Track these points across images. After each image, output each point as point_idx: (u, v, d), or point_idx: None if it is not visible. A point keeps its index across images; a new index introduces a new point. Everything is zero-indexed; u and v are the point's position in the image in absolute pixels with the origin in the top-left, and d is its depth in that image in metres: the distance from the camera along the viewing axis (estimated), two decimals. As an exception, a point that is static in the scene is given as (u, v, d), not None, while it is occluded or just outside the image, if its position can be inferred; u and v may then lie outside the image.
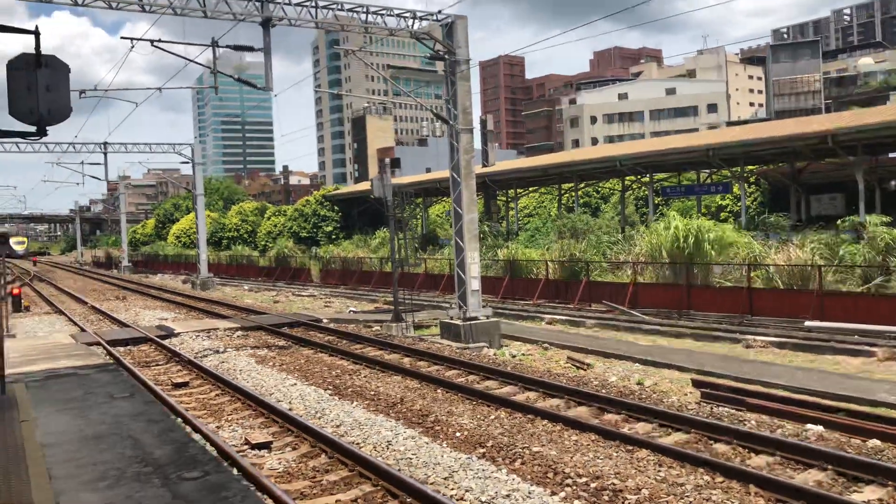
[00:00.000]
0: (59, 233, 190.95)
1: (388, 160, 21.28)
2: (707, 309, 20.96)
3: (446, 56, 18.44)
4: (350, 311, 27.80)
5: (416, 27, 17.80)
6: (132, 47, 15.85)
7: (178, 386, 14.21)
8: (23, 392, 9.74)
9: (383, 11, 17.22)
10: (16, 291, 31.18)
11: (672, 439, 9.54)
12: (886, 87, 75.15)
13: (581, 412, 11.18)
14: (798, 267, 19.52)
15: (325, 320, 23.45)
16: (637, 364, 16.02)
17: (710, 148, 27.11)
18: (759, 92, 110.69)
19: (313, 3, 16.73)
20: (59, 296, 39.45)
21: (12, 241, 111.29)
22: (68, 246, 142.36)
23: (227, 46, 15.64)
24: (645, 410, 10.74)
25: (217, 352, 18.18)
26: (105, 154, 42.32)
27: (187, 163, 44.57)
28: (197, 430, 10.37)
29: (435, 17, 17.89)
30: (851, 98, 75.55)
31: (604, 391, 12.28)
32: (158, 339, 19.72)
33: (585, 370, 15.52)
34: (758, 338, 17.47)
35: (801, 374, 13.62)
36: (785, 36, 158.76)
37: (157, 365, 16.75)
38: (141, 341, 20.20)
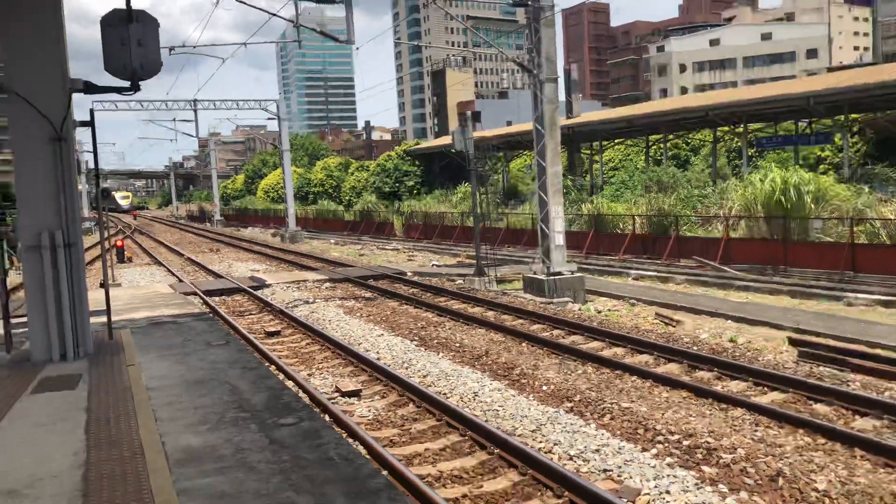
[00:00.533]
0: (154, 188, 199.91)
1: (469, 113, 21.06)
2: (805, 265, 20.01)
3: (529, 2, 17.89)
4: (433, 264, 28.00)
5: (500, -27, 17.28)
6: (217, 3, 16.07)
7: (270, 335, 14.69)
8: (128, 338, 10.26)
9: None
10: (119, 244, 32.85)
11: (769, 398, 9.19)
12: None
13: (671, 369, 10.90)
14: (907, 220, 18.32)
15: (408, 273, 23.70)
16: (729, 321, 15.49)
17: (811, 95, 25.54)
18: (865, 34, 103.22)
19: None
20: (157, 248, 41.39)
21: (117, 195, 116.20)
22: (164, 200, 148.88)
23: (309, 0, 15.64)
24: (739, 368, 10.37)
25: (307, 302, 18.67)
26: (195, 111, 43.66)
27: (273, 119, 45.47)
28: (290, 377, 10.71)
29: (520, -38, 17.32)
30: (971, 38, 69.42)
31: (695, 348, 11.93)
32: (251, 290, 20.41)
33: (675, 327, 15.12)
34: (860, 296, 16.57)
35: (910, 334, 12.84)
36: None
37: (251, 314, 17.35)
38: (234, 291, 20.96)
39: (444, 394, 9.91)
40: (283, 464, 5.00)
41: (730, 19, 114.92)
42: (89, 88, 8.72)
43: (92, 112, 9.19)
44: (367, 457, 6.47)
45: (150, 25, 8.30)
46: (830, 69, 75.33)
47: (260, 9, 15.26)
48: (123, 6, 8.14)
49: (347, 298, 19.32)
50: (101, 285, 10.02)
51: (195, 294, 19.65)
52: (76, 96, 8.81)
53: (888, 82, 23.80)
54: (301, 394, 9.62)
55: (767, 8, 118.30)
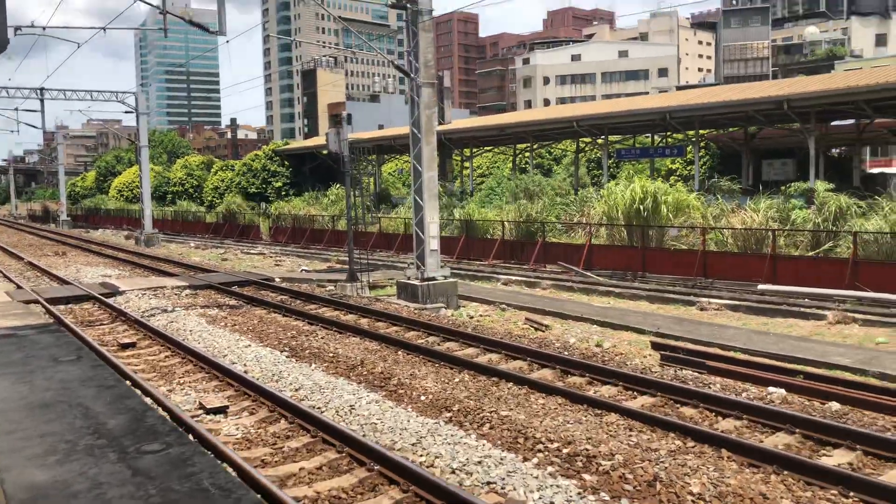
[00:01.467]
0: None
1: (344, 114, 20.63)
2: (661, 271, 21.14)
3: (408, 5, 17.76)
4: (302, 270, 27.25)
5: (376, -25, 17.03)
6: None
7: (125, 347, 13.59)
8: (-43, 354, 9.09)
9: (343, -43, 16.39)
10: (-54, 245, 29.58)
11: (639, 403, 9.48)
12: (832, 56, 76.67)
13: (545, 374, 11.06)
14: (752, 231, 19.77)
15: (277, 279, 22.88)
16: (595, 325, 16.05)
17: (669, 111, 27.15)
18: (708, 58, 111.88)
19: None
20: (-8, 250, 37.66)
21: None
22: (2, 198, 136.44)
23: (176, -12, 14.67)
24: (609, 373, 10.67)
25: (165, 311, 17.51)
26: (42, 101, 40.26)
27: (130, 112, 42.70)
28: (147, 393, 9.90)
29: (397, -35, 17.14)
30: (798, 66, 76.94)
31: (566, 353, 12.18)
32: (102, 297, 18.88)
33: (544, 331, 15.46)
34: (712, 300, 17.68)
35: (757, 337, 13.80)
36: (734, 2, 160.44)
37: (102, 324, 16.03)
38: (83, 299, 19.32)
39: (319, 408, 9.50)
40: (150, 499, 4.47)
41: (590, 36, 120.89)
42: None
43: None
44: (247, 486, 5.98)
45: (-10, 1, 7.36)
46: (679, 87, 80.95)
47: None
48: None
49: (210, 306, 18.32)
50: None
51: (37, 302, 17.93)
52: None
53: (732, 102, 25.70)
54: (161, 411, 8.90)
55: (624, 27, 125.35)
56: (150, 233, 40.77)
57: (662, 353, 12.85)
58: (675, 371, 11.07)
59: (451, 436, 8.20)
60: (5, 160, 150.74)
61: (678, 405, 9.33)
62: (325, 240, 35.91)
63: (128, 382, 9.40)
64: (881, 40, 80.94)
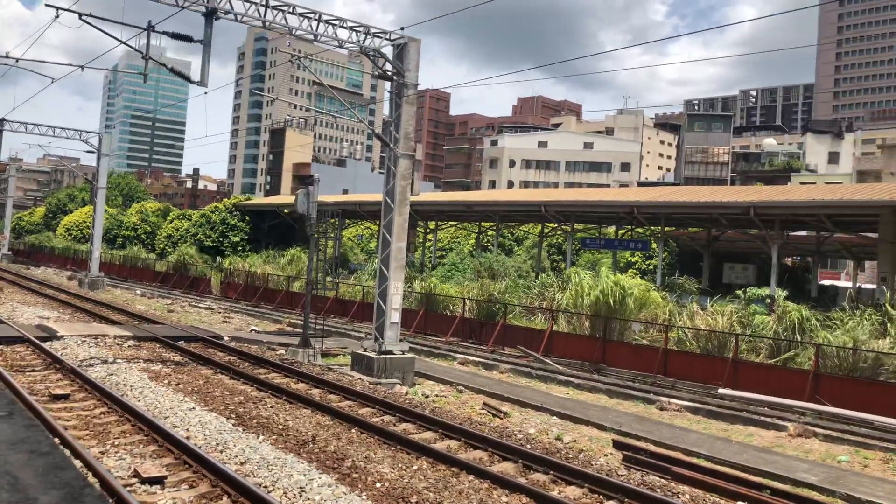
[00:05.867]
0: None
1: (316, 176, 20.31)
2: (621, 365, 20.90)
3: (394, 77, 17.77)
4: (252, 329, 26.32)
5: (367, 43, 17.04)
6: (56, 16, 14.34)
7: (56, 398, 12.62)
8: None
9: (336, 22, 16.40)
10: None
11: (607, 509, 8.98)
12: (788, 168, 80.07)
13: (507, 468, 10.49)
14: (716, 333, 19.75)
15: (225, 338, 21.95)
16: (555, 417, 15.59)
17: (637, 205, 27.53)
18: (668, 157, 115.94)
19: (263, 2, 15.73)
20: (-76, 278, 35.72)
21: None
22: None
23: (165, 33, 14.37)
24: (573, 472, 10.17)
25: (105, 361, 16.47)
26: (0, 131, 39.03)
27: (92, 152, 41.75)
28: (77, 454, 9.03)
29: (389, 37, 17.21)
30: (756, 174, 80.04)
31: (528, 446, 11.65)
32: (37, 341, 17.75)
33: (503, 419, 14.93)
34: (672, 400, 17.41)
35: (720, 444, 13.49)
36: (696, 107, 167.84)
37: (34, 371, 14.95)
38: (16, 341, 18.14)
39: (266, 486, 8.76)
40: None
41: (557, 125, 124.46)
42: None
43: None
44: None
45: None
46: (640, 183, 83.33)
47: (106, 33, 13.77)
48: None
49: (154, 361, 17.33)
50: None
51: (-34, 341, 16.77)
52: None
53: (703, 203, 26.22)
54: (91, 477, 8.06)
55: (589, 120, 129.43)
56: (95, 275, 39.26)
57: (625, 453, 12.43)
58: (642, 476, 10.61)
59: (410, 533, 7.56)
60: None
61: (648, 515, 8.86)
62: (278, 300, 34.98)
63: (65, 451, 8.53)
64: (833, 158, 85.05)
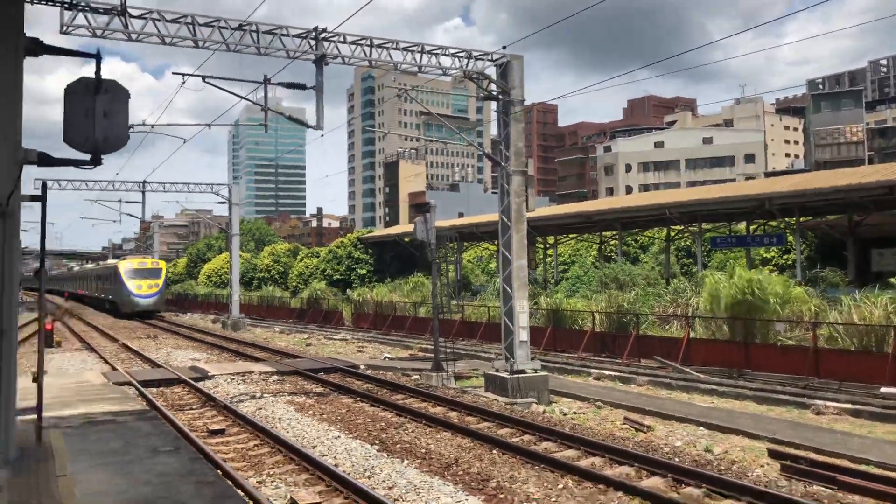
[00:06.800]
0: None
1: (433, 203, 20.66)
2: (767, 369, 19.76)
3: (500, 96, 17.90)
4: (385, 357, 26.96)
5: (469, 66, 17.30)
6: (183, 83, 15.58)
7: (214, 433, 13.44)
8: (59, 441, 8.99)
9: (438, 51, 16.77)
10: (48, 327, 30.82)
11: (770, 521, 8.48)
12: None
13: (656, 483, 10.15)
14: (871, 327, 18.32)
15: (361, 367, 22.63)
16: (701, 428, 14.91)
17: (768, 197, 26.11)
18: (795, 143, 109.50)
19: (367, 42, 16.34)
20: (89, 332, 39.15)
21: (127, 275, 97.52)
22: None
23: (280, 84, 15.24)
24: (728, 485, 9.70)
25: (253, 397, 17.40)
26: (143, 192, 42.45)
27: (223, 203, 44.54)
28: (237, 484, 9.55)
29: (490, 57, 17.40)
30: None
31: (676, 459, 11.25)
32: (192, 381, 19.03)
33: (646, 433, 14.46)
34: (829, 403, 16.25)
35: (890, 449, 12.40)
36: (820, 86, 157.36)
37: (192, 409, 16.01)
38: (174, 383, 19.53)
39: (416, 511, 8.91)
40: None
41: (671, 123, 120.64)
42: (44, 160, 7.88)
43: (44, 185, 8.29)
44: None
45: (119, 97, 7.59)
46: (768, 174, 79.02)
47: (227, 91, 14.78)
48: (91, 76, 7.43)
49: (297, 393, 18.12)
50: (34, 379, 8.81)
51: (130, 384, 18.19)
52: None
53: (841, 187, 24.53)
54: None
55: (706, 114, 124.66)
56: (236, 317, 41.61)
57: (782, 462, 11.69)
58: (805, 486, 9.96)
59: (563, 552, 7.44)
60: (104, 248, 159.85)
61: (817, 526, 8.29)
62: (407, 326, 35.70)
63: (227, 481, 9.05)
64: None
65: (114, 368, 22.35)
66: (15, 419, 7.88)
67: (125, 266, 51.34)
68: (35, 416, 8.85)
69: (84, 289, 72.65)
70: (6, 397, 7.70)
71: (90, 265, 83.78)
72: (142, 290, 50.26)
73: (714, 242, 33.57)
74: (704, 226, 34.61)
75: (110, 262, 65.43)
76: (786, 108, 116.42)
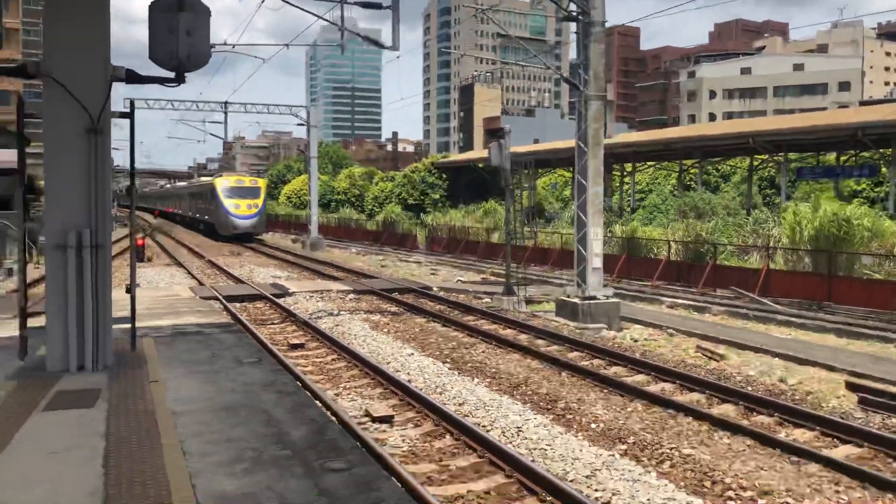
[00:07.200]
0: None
1: (507, 128, 20.37)
2: (850, 302, 19.08)
3: (580, 17, 17.27)
4: (458, 280, 27.30)
5: (551, -15, 16.68)
6: (262, 1, 15.59)
7: (294, 347, 14.05)
8: (151, 349, 9.61)
9: (518, -33, 16.21)
10: (140, 242, 32.43)
11: (842, 453, 8.38)
12: None
13: (727, 410, 10.11)
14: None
15: (434, 288, 23.03)
16: (776, 359, 14.63)
17: (861, 126, 24.67)
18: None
19: (445, -42, 15.92)
20: (177, 248, 41.00)
21: (225, 192, 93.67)
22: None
23: (356, 3, 15.09)
24: (801, 414, 9.58)
25: (331, 314, 18.03)
26: (225, 113, 43.41)
27: (302, 125, 45.13)
28: (316, 396, 10.03)
29: (572, -25, 16.72)
30: None
31: (749, 388, 11.15)
32: (273, 298, 19.80)
33: (719, 361, 14.31)
34: (916, 339, 15.66)
35: (980, 386, 11.94)
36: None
37: (273, 324, 16.73)
38: (256, 298, 20.37)
39: (484, 426, 9.19)
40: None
41: (761, 49, 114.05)
42: (131, 78, 8.16)
43: (132, 103, 8.62)
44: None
45: (201, 15, 7.73)
46: (863, 102, 74.23)
47: (305, 10, 14.77)
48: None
49: (373, 312, 18.66)
50: (127, 290, 9.37)
51: (216, 299, 19.08)
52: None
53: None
54: (338, 424, 8.93)
55: (799, 39, 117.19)
56: (315, 238, 42.72)
57: (860, 395, 11.42)
58: (882, 419, 9.75)
59: (629, 471, 7.59)
60: (190, 167, 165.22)
61: (891, 460, 8.15)
62: (480, 251, 35.93)
63: (307, 392, 9.53)
64: None
65: (200, 283, 23.45)
66: (111, 329, 8.43)
67: (222, 184, 46.67)
68: (129, 326, 9.42)
69: (176, 207, 71.04)
70: (103, 307, 8.23)
71: (181, 183, 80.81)
72: (240, 211, 45.58)
73: (800, 173, 32.11)
74: (791, 156, 33.06)
75: (204, 179, 62.41)
76: (890, 34, 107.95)
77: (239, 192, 46.00)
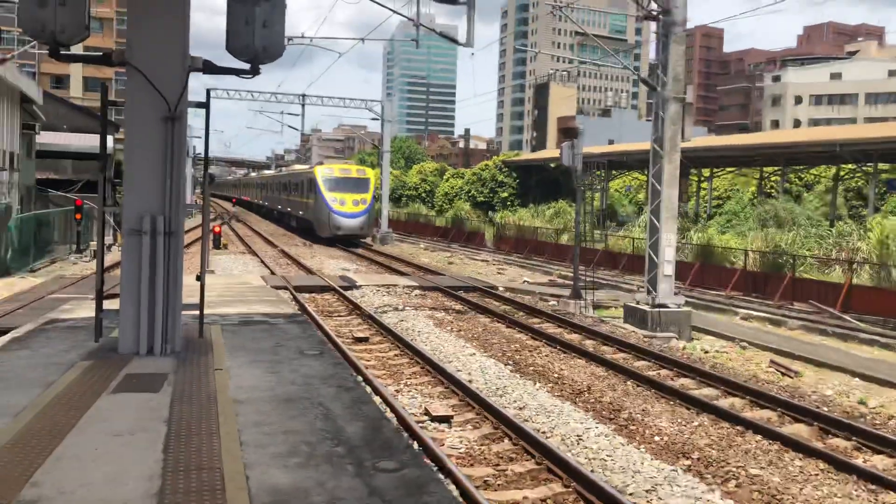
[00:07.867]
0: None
1: (580, 128, 20.02)
2: (943, 323, 18.00)
3: (660, 16, 16.80)
4: (524, 281, 27.04)
5: (632, -17, 16.28)
6: (340, -4, 15.74)
7: (358, 340, 14.16)
8: (218, 336, 9.81)
9: (599, -36, 15.87)
10: (216, 230, 33.39)
11: (928, 485, 7.85)
12: None
13: (800, 430, 9.64)
14: None
15: (500, 288, 22.88)
16: (856, 378, 13.91)
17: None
18: None
19: (524, -45, 15.71)
20: (252, 237, 42.08)
21: (327, 184, 79.65)
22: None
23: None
24: (881, 440, 9.05)
25: (396, 309, 18.12)
26: (303, 105, 44.24)
27: (376, 119, 45.59)
28: (376, 391, 10.05)
29: (655, -27, 16.27)
30: None
31: (825, 408, 10.61)
32: (341, 290, 20.06)
33: (793, 378, 13.70)
34: None
35: None
36: None
37: (339, 316, 16.92)
38: (325, 290, 20.67)
39: (544, 432, 9.02)
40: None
41: (853, 53, 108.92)
42: (208, 68, 8.34)
43: (208, 93, 8.82)
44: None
45: (277, 6, 7.85)
46: (966, 111, 69.98)
47: (382, 5, 14.85)
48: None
49: (437, 309, 18.66)
50: (197, 278, 9.59)
51: (286, 289, 19.45)
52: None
53: None
54: (389, 412, 8.93)
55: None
56: (385, 232, 43.13)
57: (950, 424, 10.74)
58: (974, 451, 9.10)
59: (692, 488, 7.31)
60: (268, 157, 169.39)
61: (983, 496, 7.59)
62: (548, 252, 35.53)
63: (366, 387, 9.55)
64: None
65: (272, 273, 23.97)
66: (180, 315, 8.63)
67: (324, 173, 37.79)
68: (198, 312, 9.64)
69: (263, 199, 65.26)
70: (174, 293, 8.44)
71: (269, 171, 73.97)
72: (345, 208, 36.48)
73: (891, 185, 30.49)
74: (881, 166, 31.41)
75: (298, 167, 54.28)
76: None
77: (344, 185, 37.12)
